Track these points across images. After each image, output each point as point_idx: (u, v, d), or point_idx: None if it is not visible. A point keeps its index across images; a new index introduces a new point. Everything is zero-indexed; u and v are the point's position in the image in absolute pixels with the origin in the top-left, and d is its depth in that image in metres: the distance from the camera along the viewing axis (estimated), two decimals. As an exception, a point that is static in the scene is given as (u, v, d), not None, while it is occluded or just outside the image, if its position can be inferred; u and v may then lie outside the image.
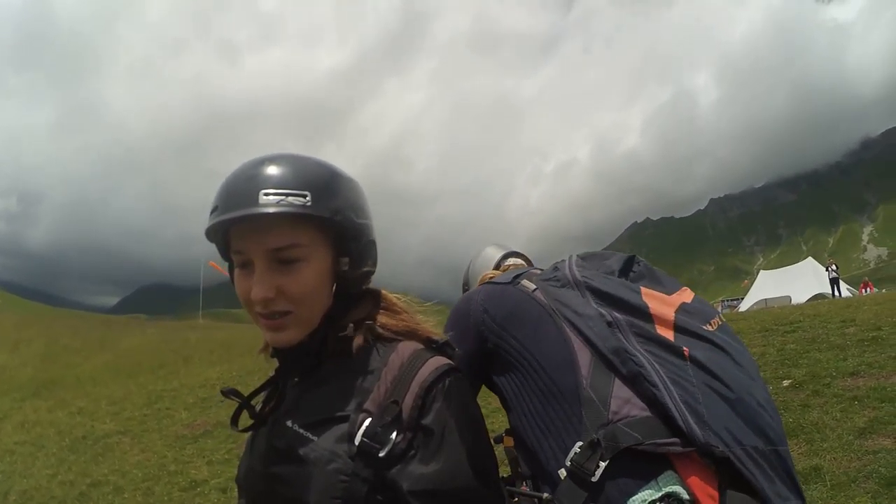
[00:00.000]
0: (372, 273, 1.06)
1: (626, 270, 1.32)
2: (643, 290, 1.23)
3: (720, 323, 1.22)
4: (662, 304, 1.20)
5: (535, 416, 1.14)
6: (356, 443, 0.88)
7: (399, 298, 1.09)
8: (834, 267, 31.29)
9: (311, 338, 0.98)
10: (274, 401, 1.02)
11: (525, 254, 1.84)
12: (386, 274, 1.12)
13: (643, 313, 1.18)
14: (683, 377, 1.08)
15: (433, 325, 1.08)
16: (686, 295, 1.26)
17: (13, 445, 8.78)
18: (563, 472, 1.04)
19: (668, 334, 1.15)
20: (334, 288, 1.01)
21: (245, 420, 1.03)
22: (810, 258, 42.56)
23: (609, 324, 1.16)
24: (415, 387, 0.92)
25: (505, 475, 1.30)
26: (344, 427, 0.91)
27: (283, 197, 0.90)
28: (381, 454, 0.87)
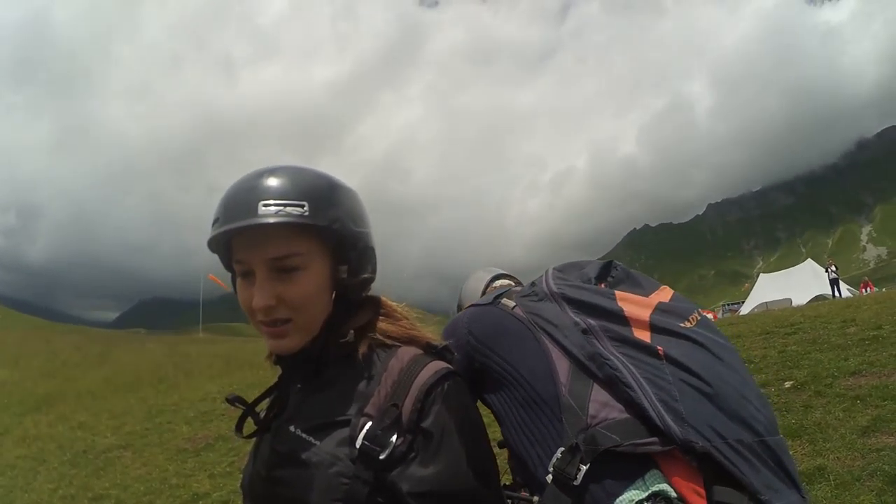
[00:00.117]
0: (371, 280, 1.08)
1: (603, 276, 1.34)
2: (617, 294, 1.25)
3: (698, 318, 1.22)
4: (638, 306, 1.22)
5: (522, 427, 1.16)
6: (357, 446, 0.90)
7: (398, 305, 1.11)
8: (833, 268, 31.31)
9: (311, 344, 1.00)
10: (277, 407, 1.04)
11: (513, 275, 1.92)
12: (385, 284, 1.13)
13: (618, 317, 1.20)
14: (659, 376, 1.09)
15: (432, 332, 1.10)
16: (664, 294, 1.27)
17: (14, 460, 8.74)
18: (548, 479, 1.05)
19: (645, 335, 1.16)
20: (334, 295, 1.02)
21: (249, 427, 1.05)
22: (810, 260, 42.63)
23: (584, 331, 1.18)
24: (414, 390, 0.94)
25: (507, 483, 1.32)
26: (345, 431, 0.93)
27: (281, 207, 0.92)
28: (382, 457, 0.89)
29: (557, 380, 1.14)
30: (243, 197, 0.94)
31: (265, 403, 1.08)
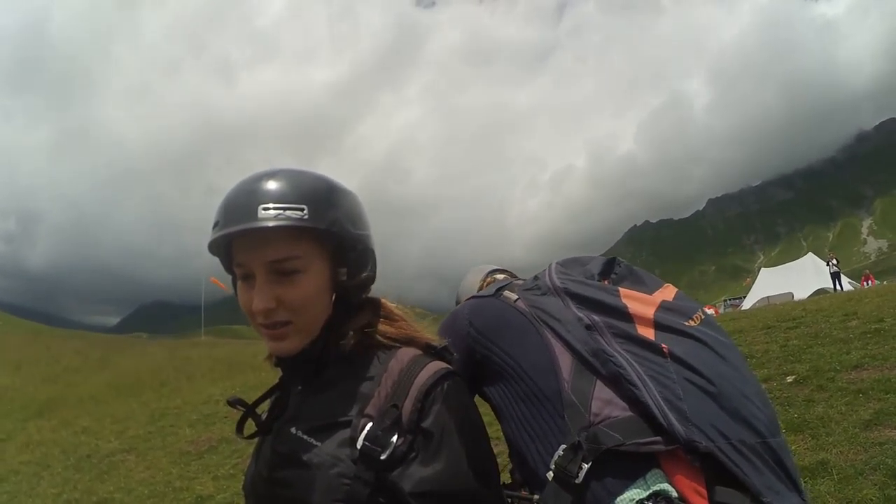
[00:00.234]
0: (371, 282, 1.08)
1: (606, 273, 1.33)
2: (621, 290, 1.24)
3: (703, 317, 1.21)
4: (642, 303, 1.21)
5: (522, 422, 1.15)
6: (358, 447, 0.91)
7: (397, 307, 1.12)
8: (835, 261, 31.28)
9: (311, 346, 1.00)
10: (277, 408, 1.04)
11: (511, 270, 1.92)
12: (385, 285, 1.14)
13: (622, 314, 1.18)
14: (664, 374, 1.08)
15: (431, 332, 1.10)
16: (668, 292, 1.26)
17: (18, 465, 8.76)
18: (549, 476, 1.05)
19: (649, 333, 1.15)
20: (334, 297, 1.03)
21: (250, 428, 1.05)
22: (811, 254, 42.64)
23: (588, 327, 1.17)
24: (414, 391, 0.94)
25: (507, 482, 1.32)
26: (346, 432, 0.93)
27: (281, 211, 0.93)
28: (383, 457, 0.89)
29: (560, 375, 1.13)
30: (243, 200, 0.95)
31: (266, 405, 1.09)
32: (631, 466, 1.00)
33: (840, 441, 4.35)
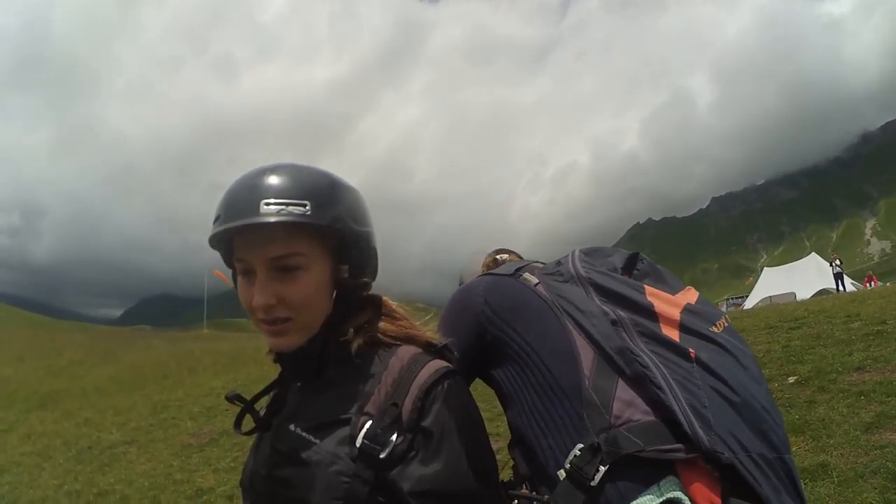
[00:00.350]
0: (373, 280, 1.07)
1: (629, 267, 1.28)
2: (647, 288, 1.19)
3: (726, 325, 1.17)
4: (667, 303, 1.16)
5: (534, 413, 1.11)
6: (357, 445, 0.90)
7: (399, 305, 1.10)
8: (838, 262, 31.17)
9: (311, 343, 1.00)
10: (276, 405, 1.04)
11: (517, 252, 1.81)
12: (387, 281, 1.12)
13: (648, 312, 1.14)
14: (689, 380, 1.04)
15: (432, 331, 1.09)
16: (690, 295, 1.22)
17: (20, 457, 8.79)
18: (561, 474, 1.02)
19: (674, 335, 1.11)
20: (335, 294, 1.02)
21: (249, 423, 1.05)
22: (814, 254, 42.45)
23: (613, 322, 1.12)
24: (414, 389, 0.94)
25: (505, 479, 1.28)
26: (345, 430, 0.93)
27: (283, 206, 0.92)
28: (382, 456, 0.89)
29: (580, 370, 1.08)
30: (245, 195, 0.94)
31: (265, 400, 1.08)
32: (646, 472, 0.98)
33: (841, 443, 4.34)
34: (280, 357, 1.03)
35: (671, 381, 1.04)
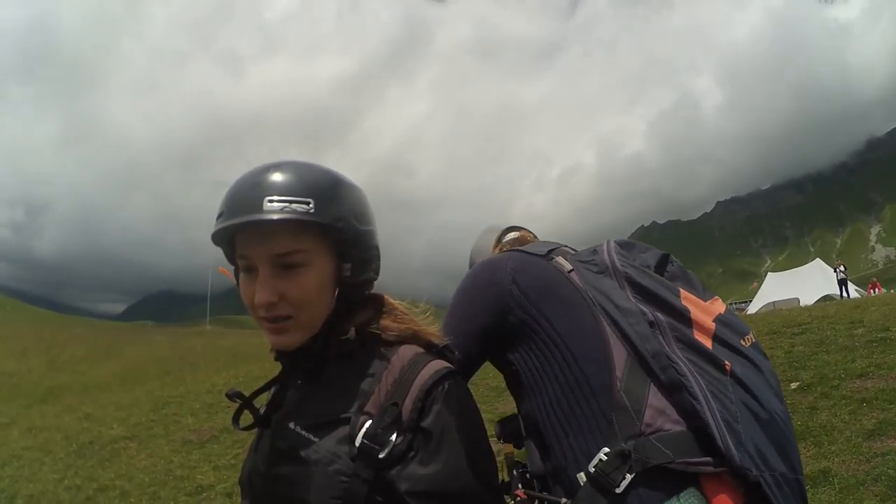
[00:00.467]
0: (375, 278, 1.07)
1: (660, 268, 1.23)
2: (682, 292, 1.15)
3: (753, 340, 1.15)
4: (702, 311, 1.13)
5: (555, 408, 1.07)
6: (357, 444, 0.90)
7: (400, 303, 1.10)
8: (842, 268, 31.10)
9: (312, 341, 0.99)
10: (276, 403, 1.03)
11: (528, 228, 1.71)
12: (391, 280, 1.12)
13: (684, 318, 1.10)
14: (723, 392, 1.01)
15: (434, 330, 1.08)
16: (719, 305, 1.18)
17: (20, 450, 8.82)
18: (582, 477, 0.99)
19: (707, 344, 1.08)
20: (337, 293, 1.01)
21: (248, 419, 1.05)
22: (818, 259, 42.31)
23: (650, 323, 1.08)
24: (415, 389, 0.93)
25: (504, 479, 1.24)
26: (345, 429, 0.92)
27: (286, 204, 0.92)
28: (381, 455, 0.88)
29: (612, 370, 1.04)
30: (248, 192, 0.94)
31: (267, 398, 1.08)
32: (669, 482, 0.96)
33: (843, 450, 4.32)
34: (281, 355, 1.03)
35: (707, 392, 1.00)
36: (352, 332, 1.01)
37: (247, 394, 1.06)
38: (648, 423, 0.99)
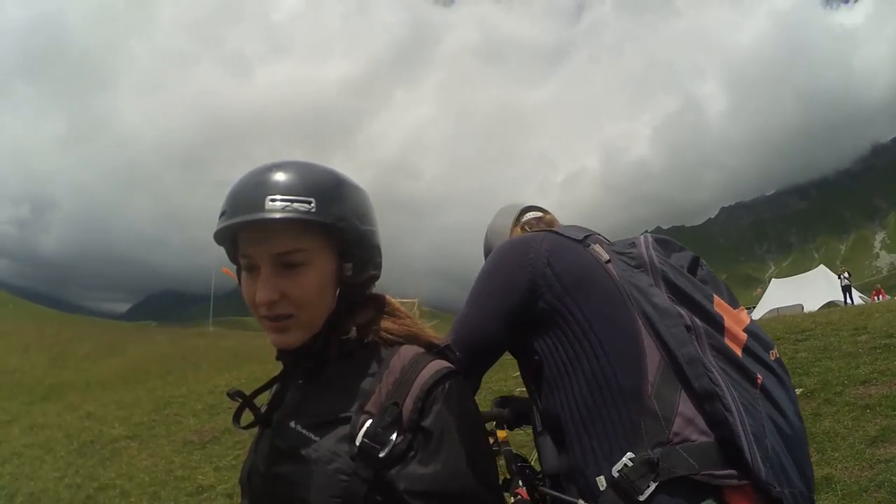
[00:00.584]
0: (376, 278, 1.07)
1: (691, 271, 1.19)
2: (715, 298, 1.11)
3: (777, 355, 1.12)
4: (734, 320, 1.09)
5: (579, 406, 1.03)
6: (357, 443, 0.90)
7: (402, 303, 1.10)
8: (846, 274, 31.00)
9: (313, 341, 1.00)
10: (277, 402, 1.04)
11: (545, 209, 1.62)
12: (393, 282, 1.12)
13: (718, 325, 1.06)
14: (754, 406, 0.99)
15: (435, 329, 1.08)
16: (745, 315, 1.15)
17: (21, 448, 8.83)
18: (602, 480, 0.97)
19: (738, 354, 1.05)
20: (338, 292, 1.02)
21: (249, 418, 1.05)
22: (822, 266, 42.24)
23: (688, 328, 1.03)
24: (415, 389, 0.93)
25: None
26: (346, 428, 0.92)
27: (288, 203, 0.92)
28: (381, 455, 0.88)
29: (644, 373, 1.00)
30: (251, 191, 0.94)
31: (267, 397, 1.08)
32: (689, 492, 0.94)
33: (846, 456, 4.31)
34: (282, 354, 1.03)
35: (739, 403, 0.97)
36: (353, 332, 1.01)
37: (248, 394, 1.06)
38: (677, 431, 0.96)
